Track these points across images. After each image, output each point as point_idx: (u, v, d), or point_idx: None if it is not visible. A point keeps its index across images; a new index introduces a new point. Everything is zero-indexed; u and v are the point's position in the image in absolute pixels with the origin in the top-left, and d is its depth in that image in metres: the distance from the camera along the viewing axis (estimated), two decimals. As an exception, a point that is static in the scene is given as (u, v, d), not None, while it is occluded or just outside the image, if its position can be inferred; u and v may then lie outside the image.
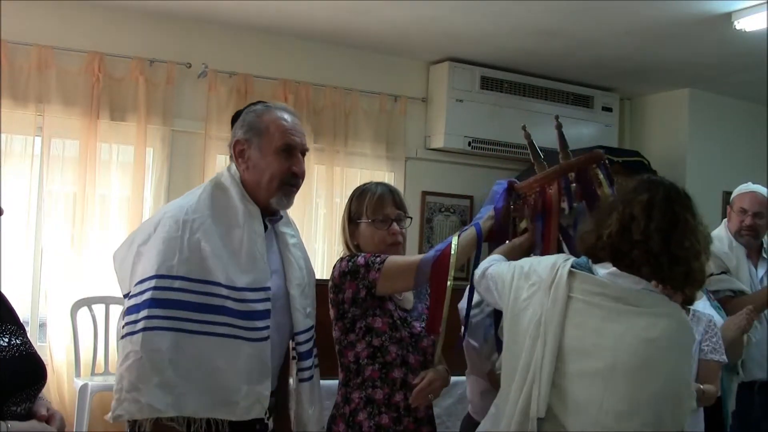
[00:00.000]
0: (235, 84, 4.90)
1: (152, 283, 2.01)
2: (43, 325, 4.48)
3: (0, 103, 4.24)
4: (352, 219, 2.40)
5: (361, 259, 2.27)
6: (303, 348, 2.22)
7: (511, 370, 1.91)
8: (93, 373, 4.34)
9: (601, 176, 2.35)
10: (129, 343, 2.00)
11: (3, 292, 1.96)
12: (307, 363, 2.23)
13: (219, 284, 2.03)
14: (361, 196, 2.40)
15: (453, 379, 3.24)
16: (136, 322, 2.00)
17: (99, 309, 4.42)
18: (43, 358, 4.64)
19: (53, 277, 4.46)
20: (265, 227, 2.21)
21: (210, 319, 2.01)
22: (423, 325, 2.38)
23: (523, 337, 1.89)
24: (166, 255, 2.03)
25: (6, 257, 4.15)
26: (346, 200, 2.47)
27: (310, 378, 2.25)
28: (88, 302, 4.39)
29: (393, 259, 2.25)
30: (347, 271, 2.27)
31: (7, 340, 1.79)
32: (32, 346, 1.87)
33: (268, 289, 2.13)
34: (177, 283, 2.01)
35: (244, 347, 2.04)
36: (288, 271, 2.23)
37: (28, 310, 4.44)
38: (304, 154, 2.25)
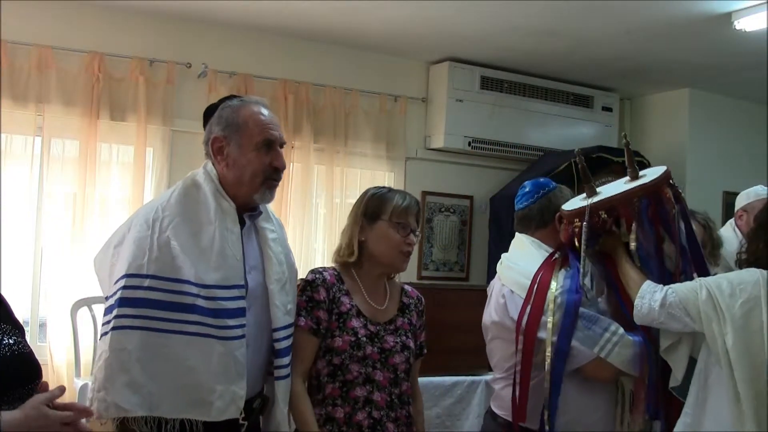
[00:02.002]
0: (235, 84, 4.89)
1: (123, 282, 2.01)
2: (43, 325, 4.48)
3: (0, 103, 4.24)
4: (368, 214, 2.37)
5: (300, 300, 2.30)
6: (281, 345, 2.19)
7: (751, 378, 2.16)
8: (93, 373, 4.34)
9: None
10: (102, 344, 2.01)
11: (2, 293, 1.94)
12: (285, 360, 2.20)
13: (189, 282, 2.02)
14: (384, 198, 2.38)
15: (453, 379, 3.24)
16: (108, 322, 2.01)
17: (99, 309, 4.41)
18: (43, 358, 4.64)
19: (53, 277, 4.46)
20: (243, 223, 2.19)
21: (180, 317, 2.00)
22: (400, 339, 2.35)
23: (757, 350, 2.17)
24: (135, 254, 2.03)
25: (6, 257, 4.15)
26: (359, 196, 2.45)
27: (287, 376, 2.21)
28: (88, 302, 4.38)
29: (297, 343, 2.25)
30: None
31: None
32: (27, 346, 1.84)
33: (241, 287, 2.11)
34: (147, 282, 2.01)
35: (215, 346, 2.02)
36: (267, 266, 2.21)
37: (28, 310, 4.43)
38: (282, 147, 2.24)
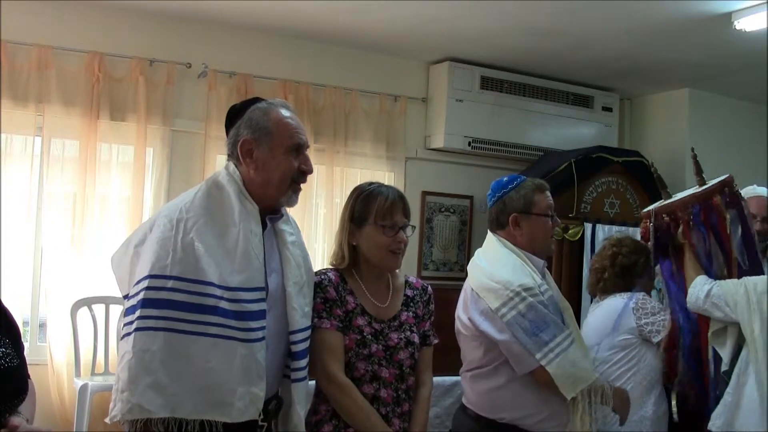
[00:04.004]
0: (235, 84, 4.89)
1: (146, 283, 2.00)
2: (43, 325, 4.48)
3: (0, 103, 4.24)
4: (354, 219, 2.37)
5: (316, 303, 2.30)
6: (298, 347, 2.20)
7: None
8: (93, 373, 4.34)
9: (739, 192, 3.11)
10: (125, 344, 2.00)
11: (2, 295, 1.92)
12: (302, 363, 2.21)
13: (212, 284, 2.02)
14: (369, 198, 2.37)
15: (453, 379, 3.24)
16: (131, 323, 2.00)
17: (99, 309, 4.42)
18: (43, 358, 4.63)
19: (53, 277, 4.45)
20: (265, 226, 2.20)
21: (203, 319, 1.99)
22: (404, 334, 2.36)
23: None
24: (159, 255, 2.02)
25: (6, 257, 4.15)
26: (347, 198, 2.45)
27: (304, 378, 2.22)
28: (88, 302, 4.39)
29: (329, 344, 2.26)
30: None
31: None
32: (15, 359, 1.83)
33: (262, 289, 2.11)
34: (170, 283, 2.00)
35: (237, 348, 2.02)
36: (285, 269, 2.22)
37: (28, 310, 4.42)
38: (306, 150, 2.27)
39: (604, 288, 3.30)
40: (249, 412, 2.04)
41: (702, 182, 3.14)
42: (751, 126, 6.21)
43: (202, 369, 1.99)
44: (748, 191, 3.69)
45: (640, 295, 3.21)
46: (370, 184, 2.44)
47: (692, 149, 3.28)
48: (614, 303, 3.21)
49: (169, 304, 1.99)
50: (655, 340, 3.10)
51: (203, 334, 1.99)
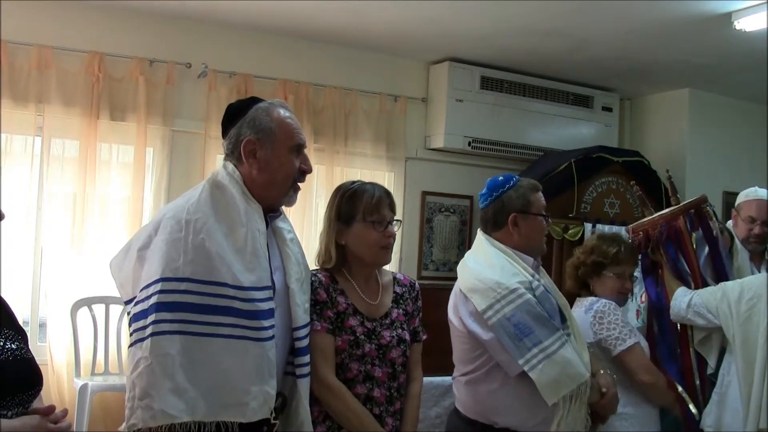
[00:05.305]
0: (235, 84, 4.89)
1: (158, 286, 1.97)
2: (43, 325, 4.48)
3: (0, 103, 4.24)
4: (341, 218, 2.37)
5: (320, 295, 2.30)
6: (302, 343, 2.20)
7: (748, 363, 2.78)
8: (93, 373, 4.34)
9: (712, 211, 3.22)
10: (138, 350, 1.96)
11: (3, 295, 1.93)
12: (306, 359, 2.21)
13: (226, 285, 2.01)
14: (354, 195, 2.37)
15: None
16: (144, 327, 1.96)
17: (99, 309, 4.42)
18: (43, 358, 4.64)
19: (53, 277, 4.46)
20: (266, 225, 2.20)
21: (217, 320, 1.98)
22: (395, 332, 2.36)
23: (755, 338, 2.78)
24: (170, 257, 2.00)
25: (6, 257, 4.15)
26: (330, 198, 2.44)
27: (308, 374, 2.22)
28: (88, 302, 4.39)
29: (320, 346, 2.25)
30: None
31: (1, 344, 1.77)
32: (29, 352, 1.84)
33: (270, 288, 2.12)
34: (183, 285, 1.98)
35: (250, 348, 2.02)
36: (287, 266, 2.22)
37: (28, 310, 4.43)
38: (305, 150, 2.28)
39: (566, 288, 3.07)
40: (262, 411, 2.03)
41: (677, 202, 3.30)
42: (751, 126, 6.21)
43: (217, 370, 1.98)
44: (749, 193, 3.67)
45: (601, 304, 2.92)
46: (353, 182, 2.44)
47: (667, 170, 3.50)
48: (577, 313, 2.93)
49: (184, 307, 1.97)
50: (612, 355, 2.86)
51: (218, 335, 1.98)
